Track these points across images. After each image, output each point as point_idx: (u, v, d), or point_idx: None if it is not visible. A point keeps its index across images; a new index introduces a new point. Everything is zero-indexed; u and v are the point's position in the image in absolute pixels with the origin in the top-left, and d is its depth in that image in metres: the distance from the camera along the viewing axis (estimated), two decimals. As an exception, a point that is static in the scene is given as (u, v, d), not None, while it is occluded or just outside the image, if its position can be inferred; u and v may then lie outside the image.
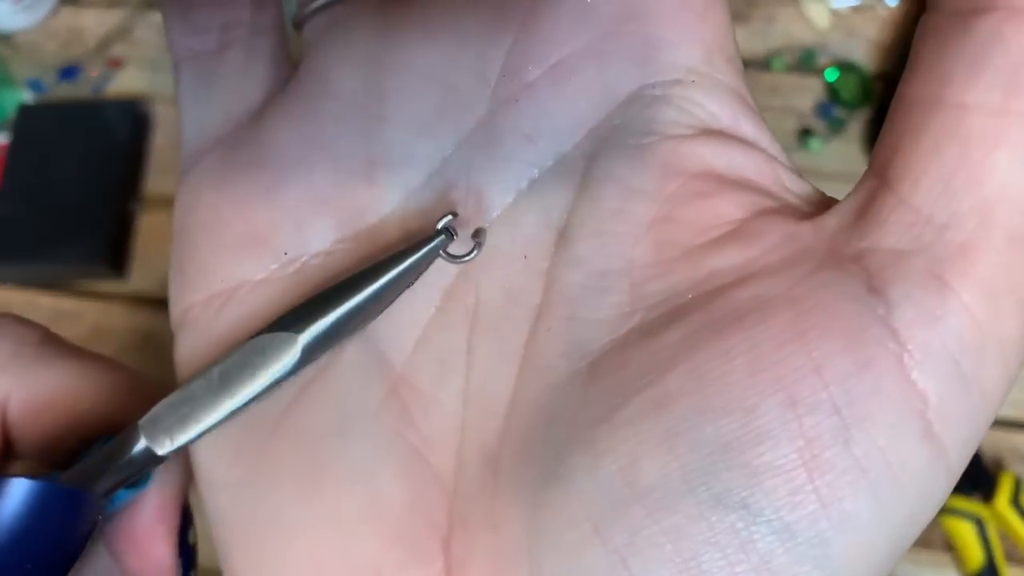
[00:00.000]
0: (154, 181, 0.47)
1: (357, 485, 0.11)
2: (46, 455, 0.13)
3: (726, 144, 0.11)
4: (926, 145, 0.09)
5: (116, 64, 0.50)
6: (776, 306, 0.09)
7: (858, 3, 0.48)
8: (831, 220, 0.10)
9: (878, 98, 0.45)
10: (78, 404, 0.13)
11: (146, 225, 0.46)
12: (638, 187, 0.11)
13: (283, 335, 0.11)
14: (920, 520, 0.09)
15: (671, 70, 0.11)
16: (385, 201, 0.12)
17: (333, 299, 0.11)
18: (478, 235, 0.11)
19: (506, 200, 0.11)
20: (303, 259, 0.12)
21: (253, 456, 0.11)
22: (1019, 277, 0.09)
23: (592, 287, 0.11)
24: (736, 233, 0.10)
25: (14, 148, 0.45)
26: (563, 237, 0.11)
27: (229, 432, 0.12)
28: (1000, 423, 0.40)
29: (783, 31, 0.48)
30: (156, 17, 0.51)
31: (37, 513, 0.11)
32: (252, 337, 0.11)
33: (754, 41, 0.48)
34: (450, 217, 0.11)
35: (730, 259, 0.10)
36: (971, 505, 0.37)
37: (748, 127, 0.11)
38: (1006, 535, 0.38)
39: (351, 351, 0.12)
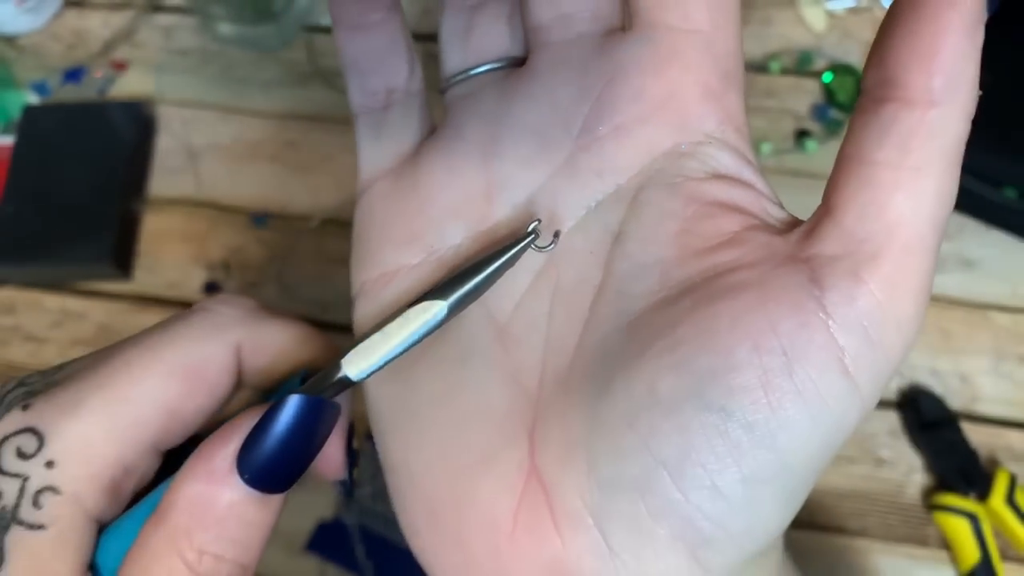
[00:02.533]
0: (158, 182, 0.47)
1: (472, 395, 0.16)
2: (261, 385, 0.19)
3: (729, 184, 0.16)
4: (852, 187, 0.14)
5: (120, 66, 0.50)
6: (750, 287, 0.14)
7: (854, 5, 0.49)
8: (794, 235, 0.15)
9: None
10: (283, 349, 0.18)
11: (150, 226, 0.46)
12: (669, 210, 0.16)
13: (435, 301, 0.16)
14: (841, 431, 0.14)
15: (695, 135, 0.16)
16: (499, 212, 0.17)
17: (465, 276, 0.16)
18: (556, 235, 0.17)
19: (579, 214, 0.17)
20: (443, 250, 0.18)
21: (403, 376, 0.17)
22: (912, 274, 0.14)
23: (635, 274, 0.16)
24: (731, 241, 0.15)
25: (19, 149, 0.46)
26: (617, 240, 0.16)
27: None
28: (994, 422, 0.40)
29: (780, 34, 0.48)
30: (160, 19, 0.51)
31: (314, 419, 0.16)
32: (412, 303, 0.16)
33: (751, 44, 0.48)
34: (537, 222, 0.17)
35: (725, 257, 0.15)
36: (966, 503, 0.38)
37: (746, 174, 0.16)
38: (1001, 532, 0.38)
39: (472, 311, 0.17)
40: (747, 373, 0.14)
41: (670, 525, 0.14)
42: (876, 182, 0.14)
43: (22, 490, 0.15)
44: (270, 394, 0.19)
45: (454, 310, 0.16)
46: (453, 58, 0.19)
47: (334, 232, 0.45)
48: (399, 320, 0.16)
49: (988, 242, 0.43)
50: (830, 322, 0.13)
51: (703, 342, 0.14)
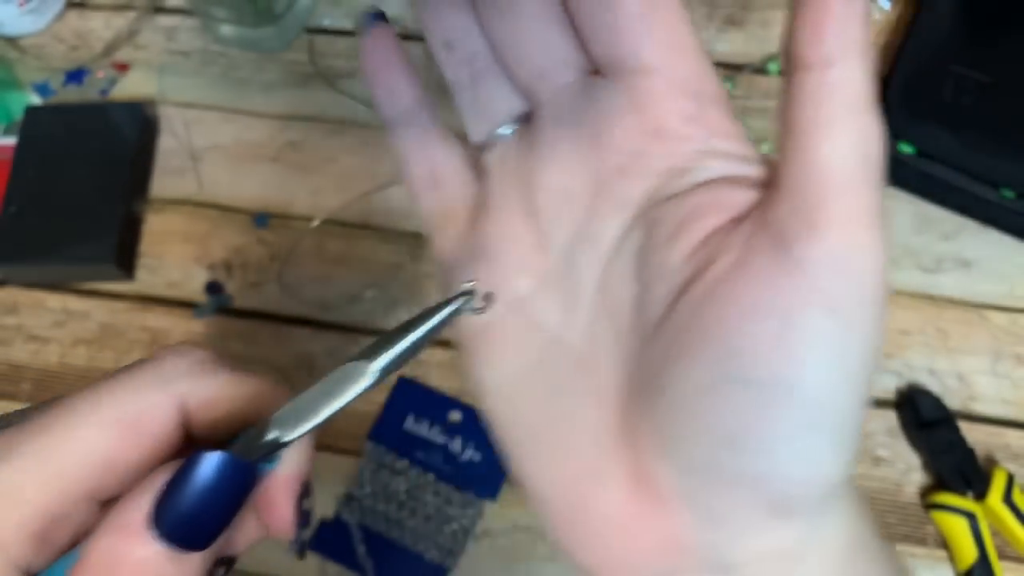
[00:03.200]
0: (160, 183, 0.47)
1: (572, 418, 0.19)
2: (207, 440, 0.18)
3: (719, 186, 0.18)
4: (786, 152, 0.16)
5: (122, 67, 0.50)
6: (732, 268, 0.16)
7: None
8: (756, 210, 0.17)
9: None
10: (232, 404, 0.18)
11: (152, 226, 0.46)
12: (672, 220, 0.18)
13: (361, 362, 0.17)
14: (851, 359, 0.16)
15: (685, 155, 0.18)
16: (552, 259, 0.20)
17: (394, 338, 0.17)
18: (488, 297, 0.18)
19: (612, 242, 0.19)
20: (513, 300, 0.20)
21: (518, 411, 0.20)
22: (856, 206, 0.16)
23: (654, 281, 0.18)
24: (711, 235, 0.17)
25: (21, 150, 0.46)
26: (639, 255, 0.19)
27: (504, 391, 0.20)
28: (992, 421, 0.41)
29: (779, 36, 0.48)
30: (162, 20, 0.52)
31: (227, 478, 0.16)
32: (342, 364, 0.17)
33: (750, 45, 0.48)
34: (472, 283, 0.18)
35: (709, 251, 0.17)
36: (964, 502, 0.38)
37: (735, 168, 0.18)
38: (998, 531, 0.39)
39: (549, 346, 0.20)
40: (756, 342, 0.16)
41: (744, 489, 0.16)
42: (804, 141, 0.16)
43: None
44: (214, 449, 0.18)
45: (387, 370, 0.17)
46: (476, 128, 0.21)
47: (335, 232, 0.46)
48: (326, 381, 0.17)
49: (986, 242, 0.44)
50: (802, 271, 0.16)
51: (713, 330, 0.16)
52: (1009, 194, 0.42)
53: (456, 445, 0.41)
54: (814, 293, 0.15)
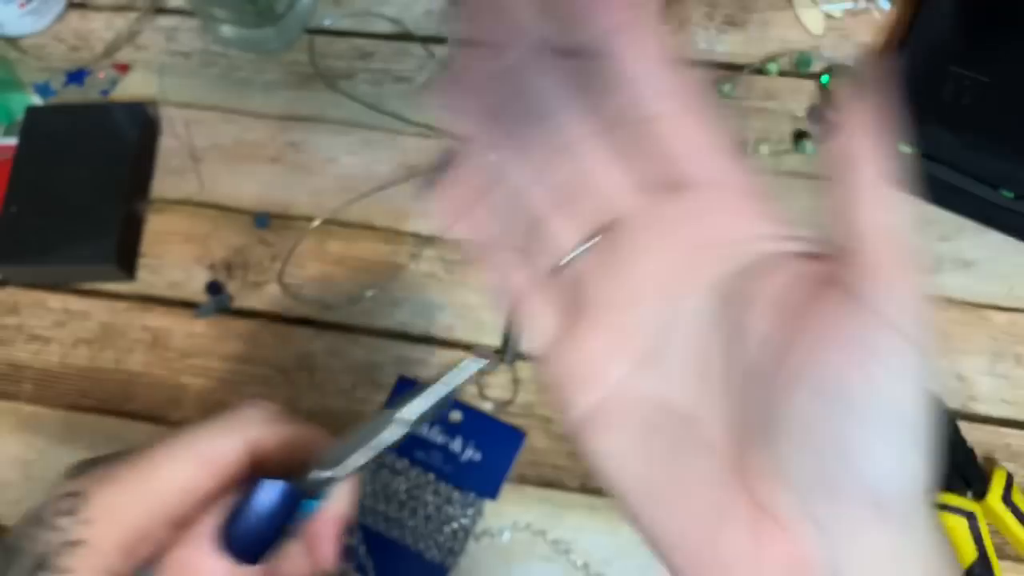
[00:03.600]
0: (161, 183, 0.47)
1: (690, 472, 0.21)
2: (268, 475, 0.21)
3: (780, 262, 0.21)
4: (836, 224, 0.20)
5: (123, 68, 0.50)
6: (817, 318, 0.19)
7: (852, 7, 0.49)
8: (823, 271, 0.20)
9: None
10: (291, 448, 0.21)
11: (153, 226, 0.47)
12: (749, 296, 0.21)
13: (394, 411, 0.20)
14: (921, 373, 0.19)
15: (750, 243, 0.22)
16: (637, 339, 0.23)
17: (427, 391, 0.20)
18: (500, 355, 0.21)
19: (699, 320, 0.22)
20: (616, 390, 0.23)
21: (640, 471, 0.22)
22: (897, 259, 0.19)
23: (744, 345, 0.21)
24: (788, 293, 0.20)
25: (22, 150, 0.46)
26: (728, 329, 0.22)
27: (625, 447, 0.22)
28: (992, 421, 0.41)
29: (778, 36, 0.49)
30: (163, 21, 0.52)
31: (280, 502, 0.19)
32: (379, 412, 0.20)
33: (750, 46, 0.48)
34: (480, 347, 0.20)
35: (794, 309, 0.20)
36: (964, 501, 0.38)
37: (790, 245, 0.21)
38: (998, 531, 0.39)
39: (660, 414, 0.22)
40: (845, 369, 0.19)
41: (850, 497, 0.19)
42: (856, 208, 0.20)
43: (61, 541, 0.19)
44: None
45: (416, 422, 0.20)
46: (558, 240, 0.23)
47: (335, 233, 0.46)
48: (365, 428, 0.20)
49: (985, 243, 0.44)
50: (872, 311, 0.19)
51: (811, 366, 0.19)
52: (1009, 195, 0.42)
53: (456, 445, 0.41)
54: (883, 323, 0.19)
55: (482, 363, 0.20)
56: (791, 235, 0.22)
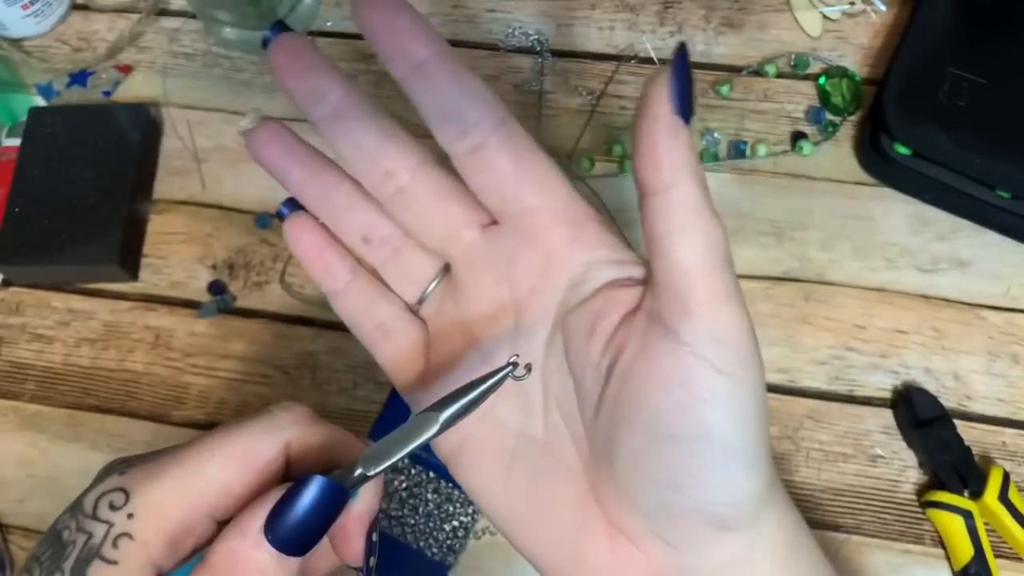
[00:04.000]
0: (163, 184, 0.48)
1: (552, 495, 0.24)
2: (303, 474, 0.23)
3: (607, 290, 0.23)
4: (654, 257, 0.21)
5: (126, 69, 0.51)
6: (639, 354, 0.21)
7: (849, 9, 0.49)
8: (645, 303, 0.22)
9: (869, 103, 0.46)
10: (323, 448, 0.22)
11: (156, 226, 0.47)
12: (580, 324, 0.23)
13: (432, 413, 0.20)
14: (748, 405, 0.20)
15: (577, 268, 0.23)
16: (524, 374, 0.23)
17: (457, 396, 0.21)
18: (528, 367, 0.22)
19: (542, 348, 0.24)
20: (477, 424, 0.25)
21: (506, 496, 0.24)
22: (718, 289, 0.20)
23: (582, 374, 0.23)
24: (618, 329, 0.22)
25: (25, 151, 0.46)
26: (566, 354, 0.23)
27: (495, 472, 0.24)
28: (989, 420, 0.41)
29: (776, 38, 0.49)
30: (166, 23, 0.52)
31: (325, 497, 0.20)
32: (418, 413, 0.21)
33: (747, 48, 0.49)
34: (515, 356, 0.21)
35: (618, 342, 0.22)
36: (961, 500, 0.38)
37: (617, 270, 0.23)
38: (995, 530, 0.39)
39: (519, 441, 0.24)
40: (669, 409, 0.20)
41: (693, 518, 0.21)
42: (663, 247, 0.20)
43: (107, 533, 0.20)
44: None
45: (448, 421, 0.21)
46: (407, 293, 0.26)
47: (337, 233, 0.46)
48: (402, 429, 0.21)
49: (981, 243, 0.44)
50: (689, 348, 0.20)
51: (638, 405, 0.21)
52: (1005, 195, 0.42)
53: (457, 443, 0.41)
54: (701, 362, 0.20)
55: (519, 372, 0.21)
56: (620, 260, 0.23)
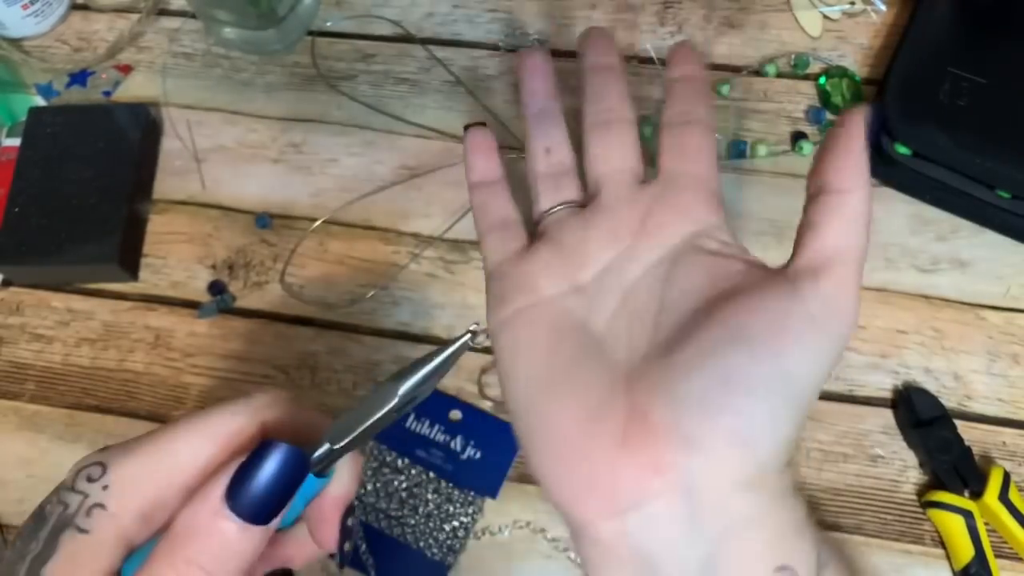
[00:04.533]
0: (163, 184, 0.48)
1: (587, 374, 0.25)
2: None
3: (731, 248, 0.27)
4: (810, 236, 0.24)
5: (126, 69, 0.51)
6: (755, 287, 0.24)
7: (849, 9, 0.49)
8: (777, 269, 0.25)
9: (869, 103, 0.46)
10: (299, 432, 0.23)
11: (156, 226, 0.47)
12: (698, 263, 0.26)
13: (391, 383, 0.21)
14: (818, 363, 0.23)
15: (705, 225, 0.27)
16: (590, 276, 0.28)
17: (420, 364, 0.21)
18: (486, 332, 0.24)
19: (640, 270, 0.27)
20: (544, 301, 0.27)
21: (545, 366, 0.25)
22: (847, 274, 0.24)
23: (681, 297, 0.25)
24: (739, 273, 0.25)
25: (25, 151, 0.46)
26: (666, 282, 0.26)
27: (532, 350, 0.26)
28: (989, 420, 0.41)
29: (776, 38, 0.49)
30: (166, 23, 0.52)
31: (284, 461, 0.20)
32: (376, 385, 0.22)
33: (748, 47, 0.49)
34: (475, 324, 0.23)
35: (737, 281, 0.25)
36: (961, 500, 0.38)
37: (738, 247, 0.27)
38: (995, 530, 0.39)
39: (577, 330, 0.26)
40: (759, 324, 0.23)
41: (723, 423, 0.21)
42: (821, 234, 0.24)
43: (81, 504, 0.20)
44: None
45: (409, 392, 0.21)
46: (545, 203, 0.30)
47: (336, 233, 0.46)
48: (363, 401, 0.21)
49: (982, 243, 0.44)
50: (803, 300, 0.23)
51: (732, 314, 0.23)
52: (1005, 195, 0.42)
53: (456, 443, 0.41)
54: (807, 313, 0.23)
55: (478, 335, 0.22)
56: (732, 237, 0.27)
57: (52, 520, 0.20)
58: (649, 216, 0.27)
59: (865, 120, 0.24)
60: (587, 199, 0.29)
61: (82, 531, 0.20)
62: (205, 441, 0.21)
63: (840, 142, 0.24)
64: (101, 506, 0.20)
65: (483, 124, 0.31)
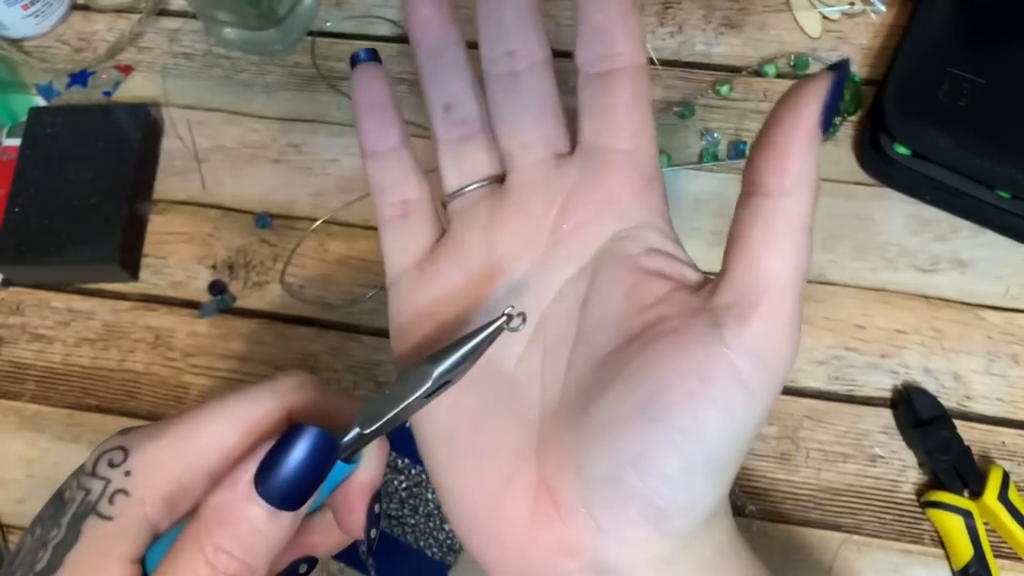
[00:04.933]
0: (164, 184, 0.48)
1: (493, 431, 0.22)
2: None
3: (658, 256, 0.22)
4: (736, 255, 0.20)
5: (126, 70, 0.51)
6: (674, 332, 0.20)
7: (849, 10, 0.49)
8: (703, 291, 0.21)
9: (868, 103, 0.46)
10: (326, 416, 0.22)
11: (156, 227, 0.47)
12: (617, 279, 0.22)
13: (426, 366, 0.20)
14: (747, 426, 0.19)
15: (630, 223, 0.22)
16: (497, 292, 0.23)
17: (455, 347, 0.20)
18: (523, 318, 0.21)
19: (557, 288, 0.23)
20: (453, 323, 0.23)
21: (445, 421, 0.23)
22: (783, 312, 0.19)
23: (597, 328, 0.22)
24: (661, 300, 0.21)
25: (25, 152, 0.46)
26: (583, 304, 0.22)
27: (437, 413, 0.23)
28: (988, 420, 0.41)
29: (776, 38, 0.49)
30: (166, 23, 0.52)
31: (314, 445, 0.19)
32: (410, 368, 0.20)
33: (747, 48, 0.49)
34: (510, 307, 0.21)
35: (657, 312, 0.21)
36: (960, 500, 0.38)
37: (671, 248, 0.22)
38: (994, 529, 0.39)
39: (485, 368, 0.22)
40: (675, 392, 0.19)
41: (636, 505, 0.19)
42: (752, 250, 0.19)
43: (104, 490, 0.20)
44: None
45: (443, 375, 0.20)
46: (451, 179, 0.24)
47: (336, 233, 0.46)
48: (396, 385, 0.20)
49: (981, 243, 0.44)
50: (728, 351, 0.19)
51: (645, 374, 0.20)
52: (1005, 195, 0.42)
53: (457, 443, 0.41)
54: (733, 370, 0.19)
55: (513, 318, 0.21)
56: (670, 235, 0.22)
57: (74, 506, 0.20)
58: (565, 211, 0.23)
59: (820, 96, 0.18)
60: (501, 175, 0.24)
61: (105, 518, 0.19)
62: (230, 426, 0.21)
63: (783, 128, 0.18)
64: (124, 492, 0.20)
65: (375, 56, 0.24)
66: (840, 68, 0.18)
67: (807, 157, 0.18)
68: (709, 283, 0.21)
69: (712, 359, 0.19)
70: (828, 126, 0.18)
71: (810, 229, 0.19)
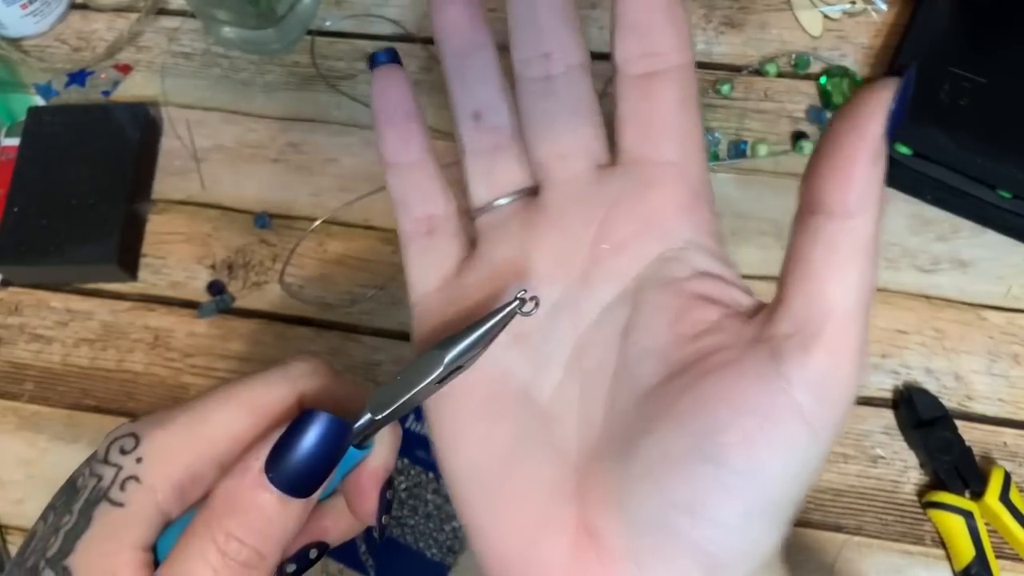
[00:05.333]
0: (163, 184, 0.48)
1: (528, 468, 0.21)
2: None
3: (707, 280, 0.20)
4: (796, 280, 0.18)
5: (125, 69, 0.50)
6: (729, 365, 0.18)
7: (850, 9, 0.49)
8: (758, 318, 0.19)
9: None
10: (338, 402, 0.22)
11: (155, 226, 0.47)
12: (662, 304, 0.20)
13: (437, 352, 0.19)
14: (808, 468, 0.18)
15: (677, 242, 0.20)
16: (531, 320, 0.21)
17: (466, 333, 0.19)
18: (536, 302, 0.20)
19: (595, 314, 0.21)
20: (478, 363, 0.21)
21: (475, 456, 0.21)
22: (847, 342, 0.17)
23: (641, 358, 0.20)
24: (712, 328, 0.19)
25: (24, 151, 0.46)
26: (624, 332, 0.20)
27: (463, 457, 0.21)
28: (989, 420, 0.41)
29: (777, 37, 0.49)
30: (165, 22, 0.52)
31: (326, 431, 0.19)
32: (421, 353, 0.20)
33: (748, 47, 0.49)
34: (523, 291, 0.20)
35: (709, 341, 0.19)
36: (961, 501, 0.38)
37: (721, 270, 0.20)
38: (996, 530, 0.39)
39: (521, 399, 0.21)
40: (731, 432, 0.17)
41: (687, 553, 0.18)
42: (813, 276, 0.17)
43: (115, 476, 0.20)
44: None
45: (455, 360, 0.19)
46: (479, 193, 0.23)
47: (336, 233, 0.46)
48: (407, 370, 0.20)
49: (982, 243, 0.44)
50: (789, 386, 0.17)
51: (697, 411, 0.18)
52: (1006, 195, 0.42)
53: (456, 444, 0.41)
54: (794, 407, 0.17)
55: (527, 302, 0.20)
56: (722, 256, 0.20)
57: (85, 493, 0.20)
58: (605, 229, 0.21)
59: (884, 105, 0.16)
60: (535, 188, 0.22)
61: (117, 504, 0.19)
62: (241, 412, 0.20)
63: (845, 141, 0.16)
64: (135, 479, 0.19)
65: (395, 58, 0.22)
66: (906, 73, 0.16)
67: (872, 173, 0.16)
68: (764, 309, 0.19)
69: (771, 395, 0.17)
70: (893, 137, 0.17)
71: (877, 253, 0.17)
